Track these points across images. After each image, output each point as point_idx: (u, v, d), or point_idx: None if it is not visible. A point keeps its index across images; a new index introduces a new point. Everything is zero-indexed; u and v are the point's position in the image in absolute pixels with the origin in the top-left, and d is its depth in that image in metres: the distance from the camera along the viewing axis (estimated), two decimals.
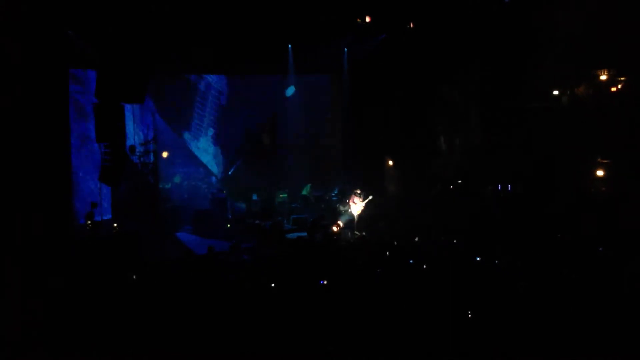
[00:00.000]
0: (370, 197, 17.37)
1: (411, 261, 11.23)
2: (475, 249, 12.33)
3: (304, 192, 19.73)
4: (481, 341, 7.22)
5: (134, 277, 10.00)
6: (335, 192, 20.23)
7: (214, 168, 21.08)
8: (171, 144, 20.20)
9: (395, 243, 13.93)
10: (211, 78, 20.78)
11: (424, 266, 10.71)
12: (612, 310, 7.78)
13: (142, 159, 18.42)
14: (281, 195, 19.86)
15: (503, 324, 7.57)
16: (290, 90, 21.28)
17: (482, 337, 7.31)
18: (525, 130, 18.48)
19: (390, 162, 20.55)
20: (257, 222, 17.78)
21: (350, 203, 17.43)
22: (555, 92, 18.93)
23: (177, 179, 20.19)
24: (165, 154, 19.91)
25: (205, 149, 20.97)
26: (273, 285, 9.92)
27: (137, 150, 18.30)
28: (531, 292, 8.89)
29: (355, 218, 17.28)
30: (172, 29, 16.03)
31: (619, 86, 17.87)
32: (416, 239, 14.27)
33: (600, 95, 18.00)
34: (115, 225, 16.49)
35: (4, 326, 7.17)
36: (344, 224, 17.03)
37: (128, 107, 17.43)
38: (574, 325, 7.38)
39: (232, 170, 21.03)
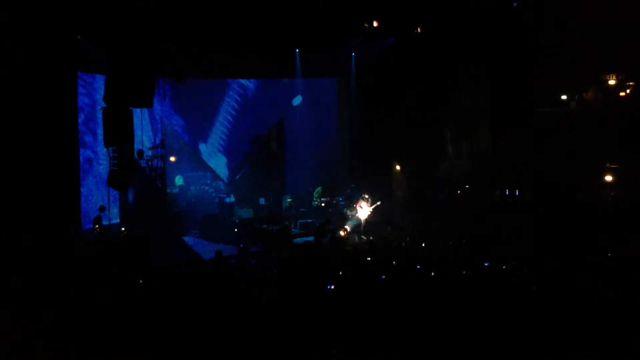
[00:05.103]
0: (378, 203, 17.36)
1: (418, 267, 11.20)
2: (484, 254, 12.29)
3: (315, 196, 19.78)
4: (489, 348, 7.18)
5: (141, 281, 10.00)
6: (343, 196, 20.24)
7: (221, 173, 21.11)
8: (179, 149, 20.25)
9: (403, 248, 13.91)
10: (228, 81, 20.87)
11: (431, 272, 10.67)
12: (622, 315, 7.74)
13: (150, 163, 18.48)
14: (288, 200, 19.88)
15: (511, 329, 7.53)
16: (297, 100, 21.34)
17: (490, 343, 7.28)
18: (533, 134, 18.44)
19: (398, 167, 20.54)
20: (264, 226, 17.79)
21: (358, 207, 17.43)
22: (564, 97, 18.90)
23: (179, 181, 20.21)
24: (173, 159, 19.97)
25: (213, 153, 21.00)
26: (280, 289, 9.92)
27: (145, 154, 18.35)
28: (540, 297, 8.85)
29: (363, 223, 17.27)
30: (180, 34, 16.10)
31: (628, 91, 17.81)
32: (423, 244, 14.23)
33: (608, 100, 17.93)
34: (123, 229, 16.55)
35: (8, 330, 7.19)
36: (351, 229, 17.01)
37: (137, 112, 17.48)
38: (583, 330, 7.34)
39: (239, 174, 21.06)
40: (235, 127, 21.01)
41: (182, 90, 19.85)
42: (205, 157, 20.90)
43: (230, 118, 20.86)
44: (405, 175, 20.36)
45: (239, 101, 20.92)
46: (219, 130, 20.89)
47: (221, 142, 20.97)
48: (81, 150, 17.26)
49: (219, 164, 21.10)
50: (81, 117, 17.16)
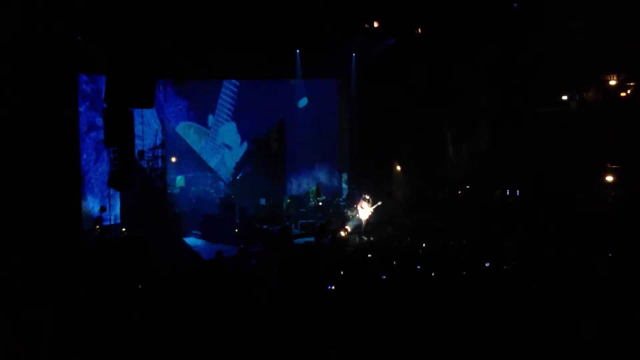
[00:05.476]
0: (379, 203, 17.35)
1: (419, 267, 11.21)
2: (484, 254, 12.29)
3: (310, 195, 19.81)
4: (489, 348, 7.19)
5: (140, 286, 9.97)
6: (343, 196, 20.24)
7: (222, 173, 21.11)
8: (179, 150, 20.26)
9: (403, 248, 13.92)
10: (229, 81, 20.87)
11: (432, 272, 10.67)
12: (622, 315, 7.75)
13: (150, 164, 18.50)
14: (288, 200, 19.90)
15: (512, 329, 7.54)
16: (303, 102, 21.36)
17: (490, 343, 7.28)
18: (534, 135, 18.44)
19: (399, 167, 20.54)
20: (264, 227, 17.79)
21: (358, 208, 17.43)
22: (564, 97, 18.88)
23: (180, 182, 20.23)
24: (174, 160, 19.98)
25: (214, 154, 21.00)
26: (280, 289, 9.92)
27: (146, 155, 18.37)
28: (540, 296, 8.86)
29: (363, 223, 17.27)
30: (180, 34, 16.11)
31: (628, 91, 17.79)
32: (424, 245, 14.23)
33: (609, 101, 17.92)
34: (123, 229, 16.56)
35: (8, 330, 7.20)
36: (352, 229, 17.02)
37: (137, 112, 17.51)
38: (583, 330, 7.36)
39: (239, 175, 21.07)
40: (238, 127, 21.01)
41: (184, 91, 19.87)
42: (205, 157, 20.90)
43: (234, 87, 20.79)
44: (406, 175, 20.36)
45: (240, 102, 20.90)
46: (222, 101, 20.84)
47: (226, 110, 20.92)
48: (95, 133, 17.41)
49: (220, 165, 21.10)
50: (87, 103, 17.28)
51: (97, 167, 17.79)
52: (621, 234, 13.38)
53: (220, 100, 20.75)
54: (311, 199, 19.80)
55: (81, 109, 16.88)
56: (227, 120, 20.90)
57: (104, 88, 15.76)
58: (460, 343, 7.25)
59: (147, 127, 18.93)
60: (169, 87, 19.55)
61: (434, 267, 10.91)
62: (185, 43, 16.66)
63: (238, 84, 20.69)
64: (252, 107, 20.91)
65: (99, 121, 17.24)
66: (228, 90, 20.70)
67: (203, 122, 20.74)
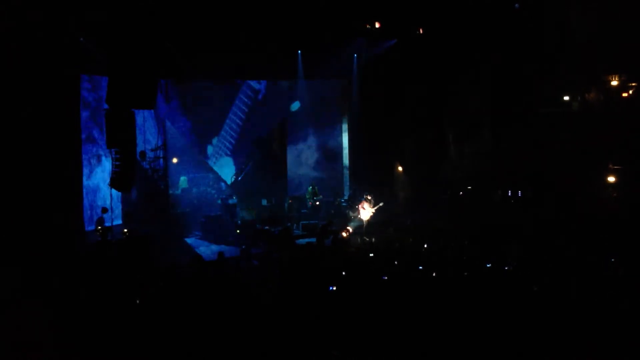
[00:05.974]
0: (381, 204, 17.34)
1: (420, 267, 11.20)
2: (486, 255, 12.28)
3: (307, 196, 19.84)
4: (490, 348, 7.19)
5: (140, 287, 9.94)
6: (345, 197, 20.23)
7: (224, 174, 21.12)
8: (181, 150, 20.27)
9: (404, 249, 13.90)
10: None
11: (433, 273, 10.67)
12: (622, 316, 7.74)
13: (152, 165, 18.50)
14: (290, 201, 19.90)
15: (512, 329, 7.54)
16: (295, 105, 21.39)
17: (490, 343, 7.28)
18: (535, 135, 18.43)
19: (400, 168, 20.54)
20: (266, 227, 17.78)
21: (360, 208, 17.42)
22: (566, 98, 18.86)
23: (183, 183, 20.25)
24: (175, 160, 19.99)
25: (217, 155, 21.03)
26: (282, 290, 9.93)
27: (147, 156, 18.38)
28: (541, 297, 8.86)
29: (365, 224, 17.27)
30: (181, 35, 16.11)
31: (630, 92, 17.77)
32: (425, 245, 14.22)
33: (611, 101, 17.91)
34: (125, 230, 16.57)
35: (9, 331, 7.22)
36: (354, 230, 17.01)
37: (139, 113, 17.52)
38: (584, 330, 7.35)
39: (241, 176, 21.07)
40: (241, 129, 21.02)
41: (187, 92, 19.89)
42: (208, 158, 20.92)
43: (238, 120, 20.86)
44: (408, 176, 20.36)
45: (248, 103, 20.92)
46: (224, 132, 20.89)
47: (227, 143, 20.98)
48: (89, 146, 17.39)
49: (223, 166, 21.12)
50: (87, 113, 17.26)
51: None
52: (622, 235, 13.35)
53: (222, 132, 20.84)
54: (308, 199, 19.83)
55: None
56: (226, 154, 20.98)
57: (104, 95, 15.79)
58: (461, 343, 7.25)
59: (148, 128, 18.93)
60: (175, 102, 19.61)
61: (436, 268, 10.91)
62: (186, 43, 16.66)
63: (246, 112, 20.73)
64: (253, 107, 20.93)
65: (96, 133, 17.28)
66: (234, 123, 20.78)
67: (197, 150, 20.83)
